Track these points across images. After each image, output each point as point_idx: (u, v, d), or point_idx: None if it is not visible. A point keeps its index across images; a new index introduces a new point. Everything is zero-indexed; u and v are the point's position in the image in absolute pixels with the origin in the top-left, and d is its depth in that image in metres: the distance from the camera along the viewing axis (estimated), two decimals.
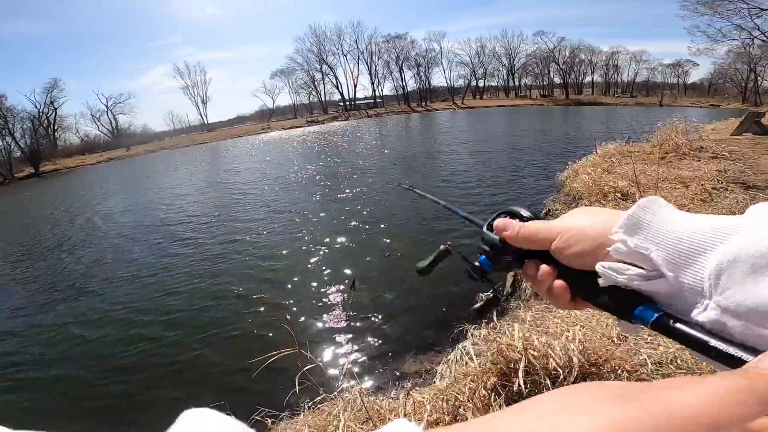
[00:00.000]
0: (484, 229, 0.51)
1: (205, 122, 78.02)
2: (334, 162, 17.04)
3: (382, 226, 7.58)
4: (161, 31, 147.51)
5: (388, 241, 6.79)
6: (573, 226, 0.41)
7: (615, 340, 2.23)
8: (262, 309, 4.93)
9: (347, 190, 10.77)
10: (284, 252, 6.80)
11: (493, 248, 0.48)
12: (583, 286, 0.40)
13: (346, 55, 76.00)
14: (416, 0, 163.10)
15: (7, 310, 6.21)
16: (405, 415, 1.93)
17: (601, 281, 0.37)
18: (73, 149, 62.22)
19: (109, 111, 69.73)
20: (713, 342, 0.30)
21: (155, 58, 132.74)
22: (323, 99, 78.82)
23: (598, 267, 0.37)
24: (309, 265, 6.12)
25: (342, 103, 76.58)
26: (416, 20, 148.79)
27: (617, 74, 76.94)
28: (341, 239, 7.12)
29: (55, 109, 60.29)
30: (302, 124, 61.44)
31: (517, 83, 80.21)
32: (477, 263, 0.50)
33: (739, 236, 0.30)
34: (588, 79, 77.37)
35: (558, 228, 0.42)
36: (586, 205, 5.61)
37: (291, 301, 5.06)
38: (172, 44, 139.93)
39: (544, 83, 78.02)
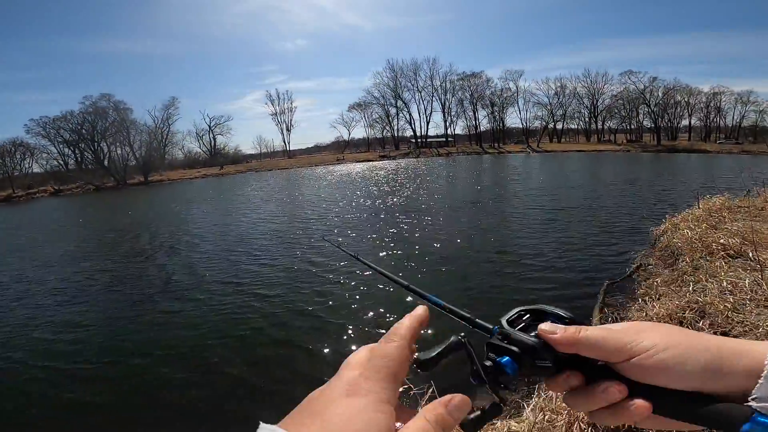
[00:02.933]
0: (505, 324, 0.46)
1: (287, 149, 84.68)
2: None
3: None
4: (259, 58, 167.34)
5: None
6: (671, 343, 0.39)
7: None
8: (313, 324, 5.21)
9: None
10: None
11: (525, 350, 0.42)
12: (679, 405, 0.38)
13: (420, 92, 78.82)
14: (493, 38, 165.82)
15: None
16: None
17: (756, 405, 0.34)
18: (176, 163, 70.75)
19: (210, 131, 78.64)
20: None
21: (251, 84, 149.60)
22: (396, 134, 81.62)
23: (756, 405, 0.34)
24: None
25: (414, 140, 78.62)
26: (492, 57, 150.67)
27: (720, 118, 69.53)
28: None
29: (170, 125, 69.75)
30: (375, 158, 63.96)
31: (599, 126, 76.27)
32: (491, 363, 0.43)
33: None
34: (684, 122, 71.01)
35: (632, 339, 0.40)
36: (687, 262, 5.27)
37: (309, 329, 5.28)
38: (267, 72, 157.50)
39: (632, 127, 73.19)
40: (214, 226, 13.92)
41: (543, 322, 0.45)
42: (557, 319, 0.45)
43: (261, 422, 0.25)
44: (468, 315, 0.55)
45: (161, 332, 5.54)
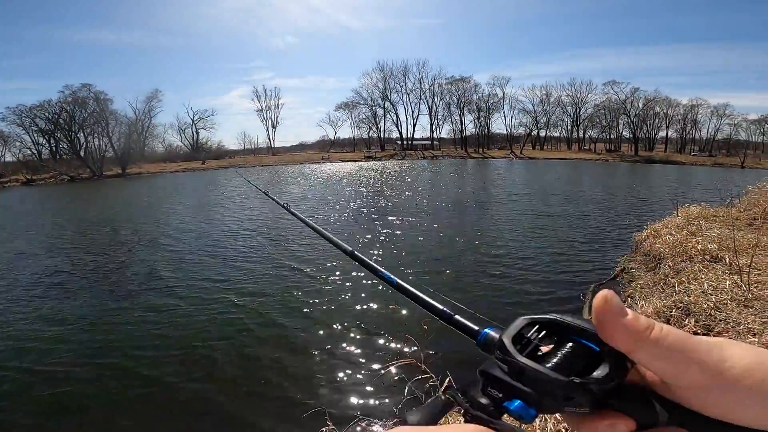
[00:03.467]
0: (509, 346, 0.32)
1: (272, 146, 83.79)
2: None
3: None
4: (248, 54, 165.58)
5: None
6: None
7: None
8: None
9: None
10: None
11: (548, 392, 0.29)
12: None
13: (409, 94, 79.21)
14: (484, 43, 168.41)
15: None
16: None
17: None
18: (156, 156, 68.93)
19: (194, 125, 77.40)
20: None
21: (238, 79, 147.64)
22: (382, 135, 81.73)
23: None
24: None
25: (400, 142, 78.96)
26: (482, 63, 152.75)
27: (695, 130, 72.18)
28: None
29: (151, 117, 68.08)
30: (360, 158, 63.90)
31: (581, 135, 78.25)
32: (489, 403, 0.30)
33: None
34: (661, 134, 73.57)
35: (719, 353, 0.28)
36: (669, 266, 5.50)
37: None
38: (254, 68, 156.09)
39: (611, 137, 75.41)
40: (196, 222, 13.68)
41: (561, 340, 0.32)
42: (581, 336, 0.31)
43: None
44: (442, 309, 0.43)
45: (142, 329, 5.35)
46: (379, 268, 0.54)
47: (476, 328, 0.36)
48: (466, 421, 0.30)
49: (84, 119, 59.66)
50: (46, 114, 59.10)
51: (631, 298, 4.62)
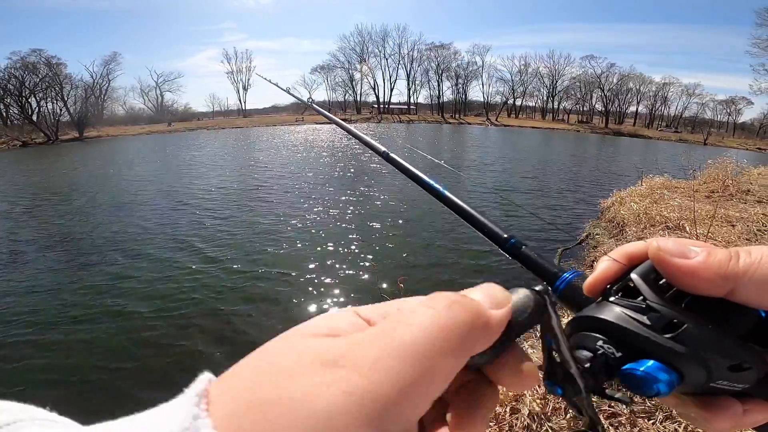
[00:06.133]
0: (641, 286, 0.24)
1: (243, 108, 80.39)
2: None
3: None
4: (217, 15, 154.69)
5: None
6: None
7: None
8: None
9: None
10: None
11: (714, 344, 0.22)
12: None
13: (387, 59, 77.05)
14: (465, 11, 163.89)
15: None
16: None
17: None
18: (117, 119, 65.33)
19: (158, 87, 73.28)
20: None
21: (207, 41, 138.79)
22: (358, 99, 79.87)
23: None
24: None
25: (376, 105, 77.42)
26: (462, 31, 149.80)
27: (665, 107, 74.36)
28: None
29: (110, 80, 63.93)
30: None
31: (555, 106, 78.98)
32: (594, 360, 0.23)
33: None
34: (632, 108, 75.30)
35: None
36: (633, 232, 5.71)
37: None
38: (224, 29, 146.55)
39: (584, 109, 76.53)
40: (162, 187, 13.06)
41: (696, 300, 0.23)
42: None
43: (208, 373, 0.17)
44: (501, 233, 0.33)
45: (105, 297, 5.07)
46: (425, 177, 0.42)
47: (553, 270, 0.29)
48: (545, 378, 0.23)
49: (35, 84, 55.91)
50: None
51: (596, 262, 4.78)
